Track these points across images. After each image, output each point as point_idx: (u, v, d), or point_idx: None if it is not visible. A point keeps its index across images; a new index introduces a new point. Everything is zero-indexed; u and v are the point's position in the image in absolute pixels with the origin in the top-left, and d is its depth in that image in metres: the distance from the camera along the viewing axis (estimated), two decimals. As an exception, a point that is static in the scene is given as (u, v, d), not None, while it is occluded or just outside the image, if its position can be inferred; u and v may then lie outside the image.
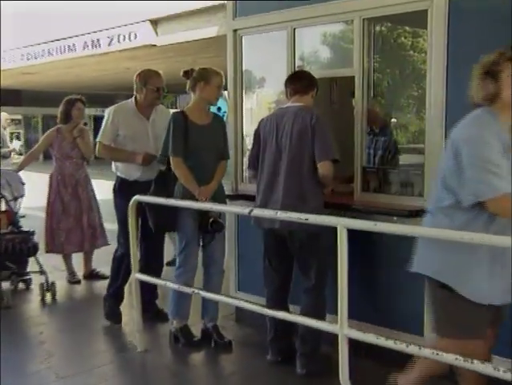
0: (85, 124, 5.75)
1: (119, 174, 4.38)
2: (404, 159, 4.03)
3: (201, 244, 3.94)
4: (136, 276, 3.70)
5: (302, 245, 3.43)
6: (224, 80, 3.90)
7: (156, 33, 12.31)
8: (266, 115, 3.69)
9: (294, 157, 3.39)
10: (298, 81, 3.53)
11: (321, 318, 3.28)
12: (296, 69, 3.98)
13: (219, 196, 3.87)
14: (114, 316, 4.47)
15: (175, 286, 3.64)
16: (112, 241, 5.01)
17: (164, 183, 3.84)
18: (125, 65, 15.01)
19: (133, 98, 4.36)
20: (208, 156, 3.83)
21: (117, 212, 4.33)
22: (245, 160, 4.40)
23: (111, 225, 5.30)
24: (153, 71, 4.32)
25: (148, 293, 4.36)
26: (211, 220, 3.74)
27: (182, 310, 3.96)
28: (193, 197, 3.70)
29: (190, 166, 3.75)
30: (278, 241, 3.54)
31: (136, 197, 3.55)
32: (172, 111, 4.39)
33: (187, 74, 3.85)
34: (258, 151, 3.58)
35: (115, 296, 4.49)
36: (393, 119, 4.23)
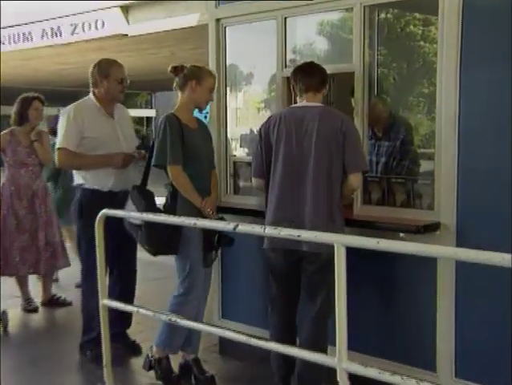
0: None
1: (88, 185, 4.28)
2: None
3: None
4: (104, 302, 3.70)
5: (319, 268, 3.44)
6: (216, 84, 3.96)
7: (128, 21, 12.34)
8: (274, 113, 3.70)
9: (322, 167, 3.41)
10: (312, 76, 3.54)
11: (323, 350, 3.31)
12: (288, 64, 4.04)
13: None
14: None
15: (148, 313, 3.65)
16: (75, 262, 4.98)
17: (141, 196, 3.85)
18: (91, 57, 15.03)
19: (91, 94, 4.32)
20: (205, 163, 3.90)
21: (85, 237, 4.13)
22: (230, 167, 4.45)
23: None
24: (113, 60, 4.31)
25: (118, 322, 4.34)
26: (217, 234, 3.78)
27: (174, 341, 3.93)
28: (196, 211, 3.72)
29: (190, 175, 3.77)
30: (291, 264, 3.55)
31: (105, 211, 3.54)
32: (146, 111, 4.42)
33: (176, 70, 3.88)
34: (267, 157, 3.57)
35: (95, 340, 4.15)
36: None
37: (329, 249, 3.16)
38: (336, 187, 3.43)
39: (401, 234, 3.41)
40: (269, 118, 3.64)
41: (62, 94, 20.94)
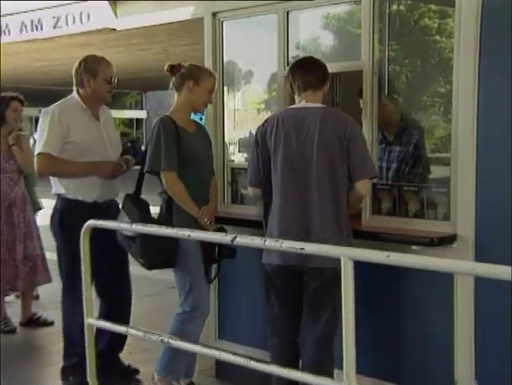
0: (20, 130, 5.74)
1: (70, 196, 4.22)
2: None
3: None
4: (90, 322, 3.70)
5: (323, 284, 3.45)
6: (216, 85, 3.98)
7: (116, 14, 12.38)
8: (271, 115, 3.72)
9: (325, 174, 3.41)
10: (311, 72, 3.55)
11: (329, 374, 3.31)
12: (290, 60, 4.05)
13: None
14: None
15: (139, 334, 3.65)
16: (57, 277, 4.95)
17: (135, 205, 3.86)
18: (76, 54, 15.04)
19: (75, 93, 4.29)
20: (204, 169, 3.93)
21: (67, 251, 4.12)
22: (227, 174, 4.46)
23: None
24: (101, 58, 4.29)
25: (109, 345, 4.27)
26: (217, 245, 3.79)
27: (176, 366, 3.89)
28: (193, 221, 3.73)
29: (188, 182, 3.79)
30: (293, 280, 3.55)
31: (91, 222, 3.54)
32: (136, 112, 4.42)
33: (173, 69, 3.90)
34: (264, 164, 3.58)
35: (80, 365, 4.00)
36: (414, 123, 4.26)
37: (334, 263, 3.20)
38: (343, 195, 3.45)
39: (414, 247, 3.42)
40: (265, 120, 3.64)
41: (44, 93, 20.99)
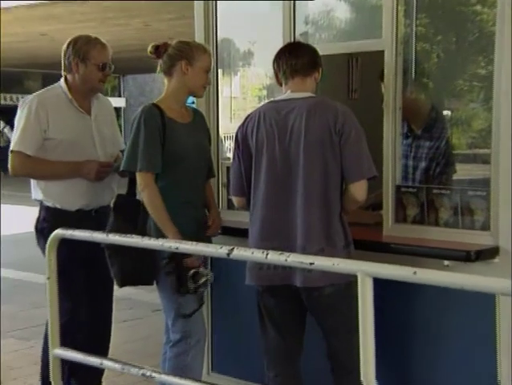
0: None
1: (49, 203, 4.23)
2: (461, 172, 4.09)
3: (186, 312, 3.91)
4: (56, 353, 3.71)
5: (330, 305, 3.47)
6: (213, 61, 3.97)
7: (87, -19, 12.41)
8: (252, 111, 3.72)
9: (314, 177, 3.43)
10: (298, 56, 3.58)
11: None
12: (298, 38, 4.08)
13: (201, 230, 3.92)
14: None
15: (116, 367, 3.66)
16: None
17: (131, 212, 3.85)
18: (38, 29, 15.07)
19: (62, 81, 4.29)
20: (198, 169, 3.92)
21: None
22: (222, 174, 4.47)
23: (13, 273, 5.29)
24: (95, 38, 4.27)
25: (87, 377, 4.29)
26: (191, 272, 3.71)
27: None
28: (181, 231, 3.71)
29: (174, 184, 3.80)
30: (289, 299, 3.57)
31: (59, 232, 3.55)
32: (112, 100, 4.41)
33: (158, 50, 3.88)
34: (246, 169, 3.61)
35: None
36: (447, 112, 4.27)
37: (336, 279, 3.20)
38: (335, 201, 3.45)
39: (446, 262, 3.43)
40: (246, 118, 3.67)
41: (1, 76, 21.01)
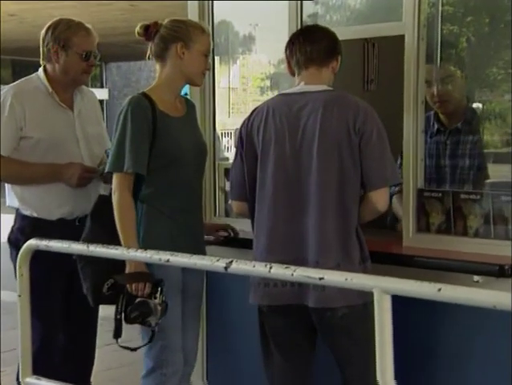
0: None
1: (26, 212, 4.24)
2: (494, 174, 4.07)
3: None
4: (27, 382, 3.71)
5: (343, 328, 3.48)
6: (212, 43, 3.94)
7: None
8: (260, 105, 3.72)
9: (329, 184, 3.43)
10: (314, 42, 3.57)
11: None
12: (306, 20, 4.09)
13: (199, 241, 3.96)
14: None
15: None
16: None
17: (111, 217, 3.81)
18: (7, 9, 15.13)
19: (41, 71, 4.28)
20: (195, 171, 3.92)
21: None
22: (219, 177, 4.48)
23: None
24: (77, 23, 4.25)
25: None
26: (138, 300, 3.63)
27: None
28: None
29: (168, 189, 3.79)
30: (298, 319, 3.58)
31: (32, 243, 3.54)
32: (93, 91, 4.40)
33: (148, 31, 3.83)
34: (250, 170, 3.62)
35: None
36: (477, 105, 4.26)
37: (354, 299, 3.22)
38: (352, 210, 3.45)
39: (476, 278, 3.43)
40: (252, 112, 3.68)
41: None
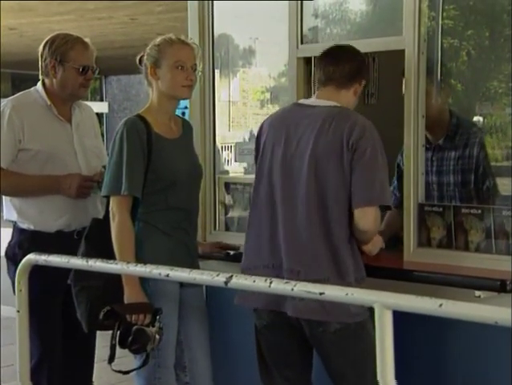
0: None
1: (24, 225, 4.26)
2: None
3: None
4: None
5: (336, 344, 3.48)
6: (198, 50, 3.91)
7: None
8: (273, 112, 3.78)
9: (315, 199, 3.45)
10: (339, 62, 3.58)
11: None
12: (306, 33, 4.10)
13: (194, 257, 3.96)
14: None
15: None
16: None
17: (106, 241, 3.80)
18: (7, 23, 15.16)
19: (40, 85, 4.33)
20: (188, 191, 3.91)
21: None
22: (219, 190, 4.48)
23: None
24: (76, 38, 4.29)
25: None
26: (134, 328, 3.62)
27: None
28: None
29: (163, 213, 3.80)
30: (294, 334, 3.58)
31: (31, 258, 3.53)
32: (93, 105, 4.41)
33: (140, 60, 3.90)
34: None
35: None
36: (478, 118, 4.26)
37: (345, 316, 3.23)
38: (337, 226, 3.44)
39: (477, 293, 3.43)
40: (268, 117, 3.74)
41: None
